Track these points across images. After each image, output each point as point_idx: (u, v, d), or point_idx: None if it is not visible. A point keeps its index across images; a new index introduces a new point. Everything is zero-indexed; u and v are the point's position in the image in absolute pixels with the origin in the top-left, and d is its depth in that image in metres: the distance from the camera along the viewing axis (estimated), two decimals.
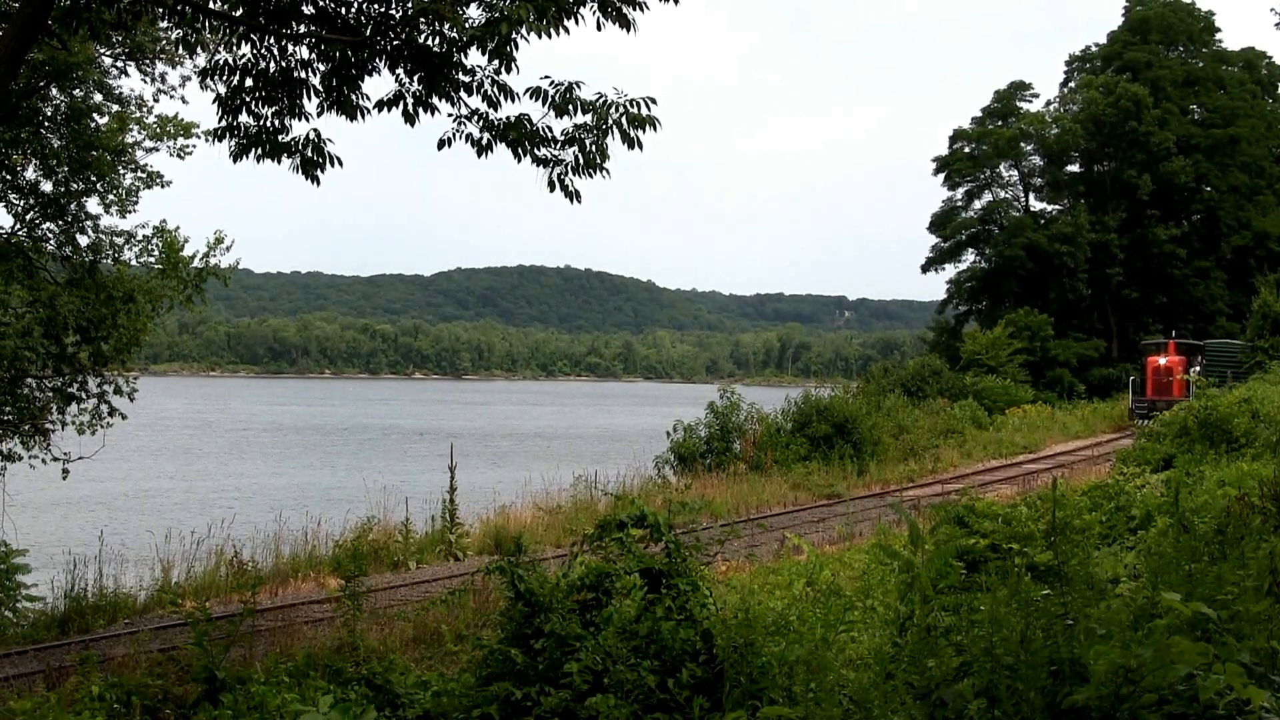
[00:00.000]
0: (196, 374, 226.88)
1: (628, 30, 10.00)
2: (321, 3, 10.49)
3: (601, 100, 10.20)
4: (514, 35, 9.65)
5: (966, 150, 72.71)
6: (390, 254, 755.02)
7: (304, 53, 10.63)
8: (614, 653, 7.31)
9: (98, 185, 17.96)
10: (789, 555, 18.96)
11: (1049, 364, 63.06)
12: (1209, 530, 9.09)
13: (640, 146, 10.24)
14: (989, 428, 45.16)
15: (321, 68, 10.65)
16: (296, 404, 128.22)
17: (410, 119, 10.55)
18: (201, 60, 12.92)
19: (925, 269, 73.98)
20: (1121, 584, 8.77)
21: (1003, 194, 73.77)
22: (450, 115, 10.60)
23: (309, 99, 10.72)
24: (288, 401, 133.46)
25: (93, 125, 17.62)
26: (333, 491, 40.47)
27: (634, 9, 9.97)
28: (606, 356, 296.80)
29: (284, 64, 10.59)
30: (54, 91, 17.28)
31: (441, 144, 10.70)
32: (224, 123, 10.74)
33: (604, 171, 10.63)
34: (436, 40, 10.25)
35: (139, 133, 18.14)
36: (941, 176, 73.54)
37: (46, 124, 17.43)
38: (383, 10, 10.47)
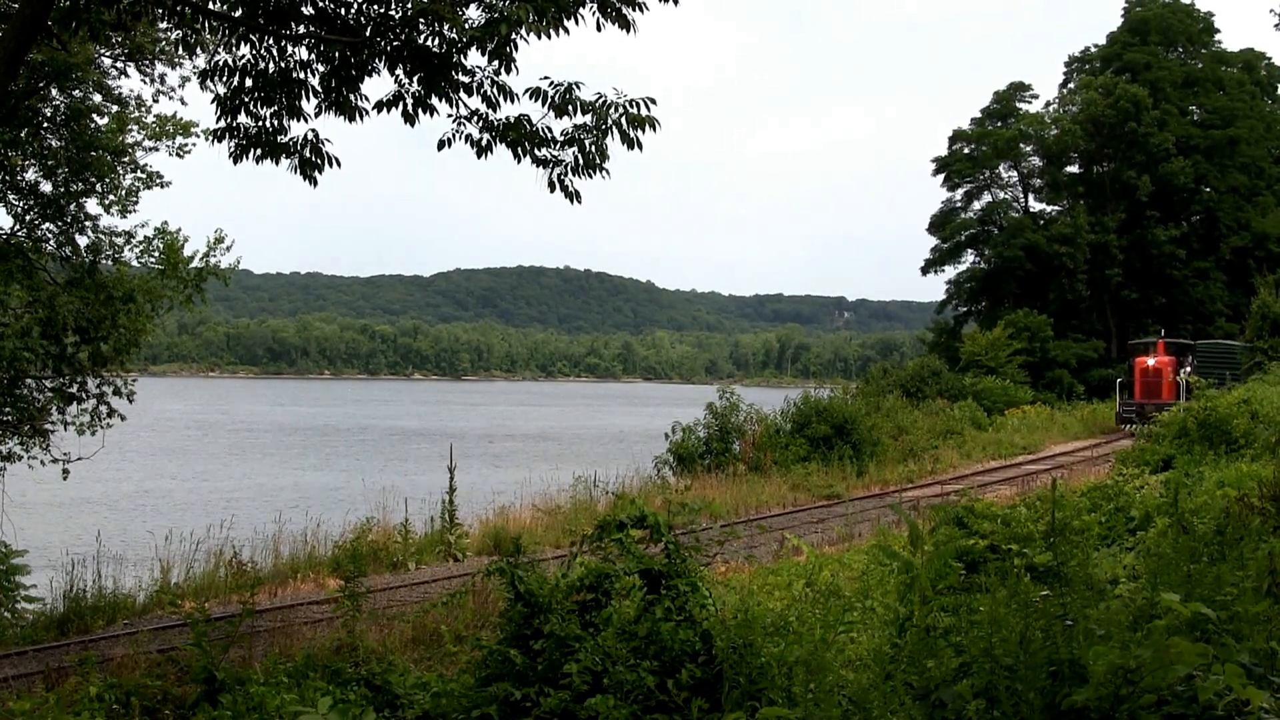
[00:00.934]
0: (196, 375, 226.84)
1: (627, 31, 10.01)
2: (321, 3, 10.49)
3: (601, 101, 10.20)
4: (514, 36, 9.65)
5: (966, 151, 72.73)
6: (390, 254, 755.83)
7: (303, 53, 10.64)
8: (613, 653, 7.31)
9: (97, 186, 17.94)
10: (788, 556, 18.96)
11: (1048, 365, 63.09)
12: (1208, 531, 9.10)
13: (640, 147, 10.24)
14: (988, 428, 45.18)
15: (321, 68, 10.65)
16: (296, 405, 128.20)
17: (410, 120, 10.55)
18: (201, 61, 12.91)
19: (925, 270, 74.06)
20: (1121, 585, 8.77)
21: (1002, 195, 73.85)
22: (450, 116, 10.61)
23: (308, 100, 10.72)
24: (287, 402, 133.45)
25: (92, 126, 17.61)
26: (332, 492, 40.47)
27: (633, 9, 9.97)
28: (606, 357, 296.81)
29: (283, 65, 10.59)
30: (54, 92, 17.27)
31: (441, 145, 10.70)
32: (223, 123, 10.73)
33: (604, 172, 10.63)
34: (436, 41, 10.24)
35: (138, 133, 18.15)
36: (941, 177, 73.61)
37: (46, 124, 17.42)
38: (382, 11, 10.47)
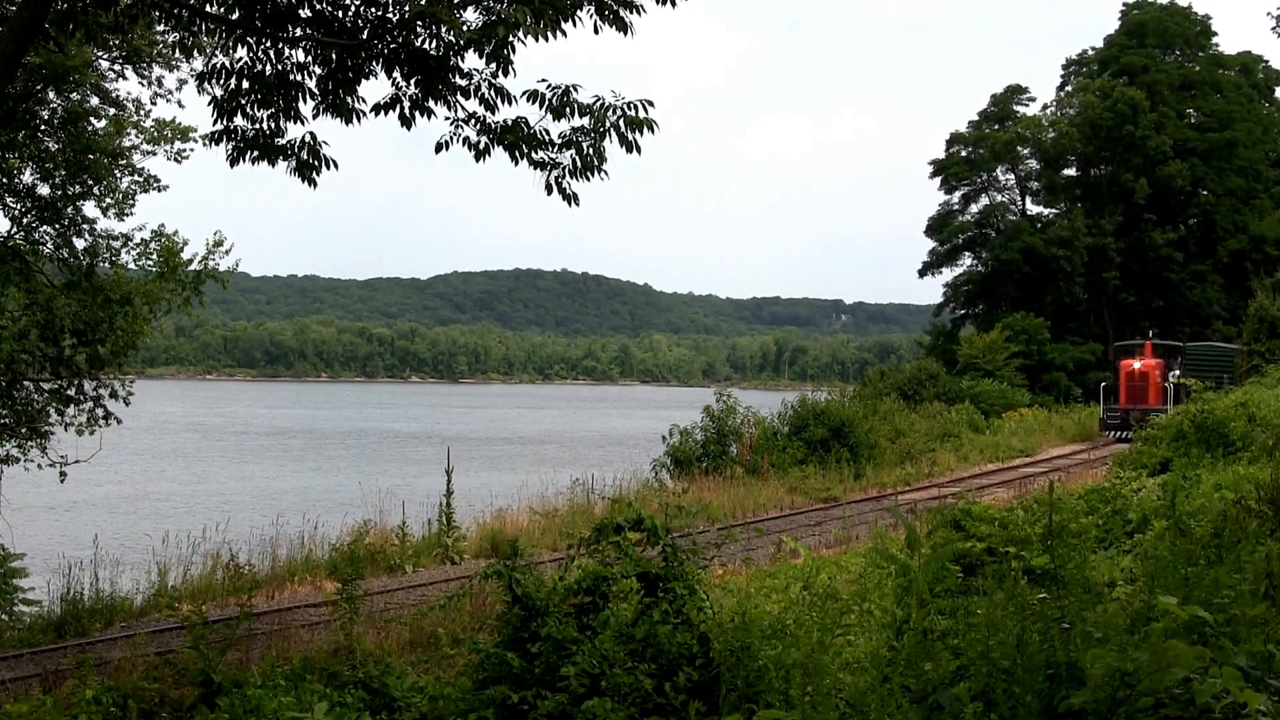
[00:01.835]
0: (193, 377, 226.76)
1: (625, 33, 10.00)
2: (318, 6, 10.48)
3: (599, 103, 10.20)
4: (511, 38, 9.65)
5: (963, 154, 72.86)
6: (387, 257, 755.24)
7: (300, 56, 10.62)
8: (611, 656, 7.30)
9: (95, 188, 17.95)
10: (786, 559, 18.96)
11: (1045, 368, 63.13)
12: (1205, 534, 9.10)
13: (638, 150, 10.23)
14: (985, 431, 45.21)
15: (318, 71, 10.64)
16: (293, 408, 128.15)
17: (407, 123, 10.54)
18: (198, 64, 12.91)
19: (922, 273, 74.19)
20: (1118, 587, 8.77)
21: (999, 198, 74.00)
22: (447, 119, 10.60)
23: (305, 102, 10.71)
24: (284, 405, 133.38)
25: (90, 128, 17.62)
26: (329, 495, 40.42)
27: (630, 11, 9.97)
28: (603, 360, 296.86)
29: (280, 67, 10.58)
30: (51, 95, 17.27)
31: (439, 147, 10.70)
32: (220, 126, 10.72)
33: (601, 174, 10.63)
34: (433, 44, 10.24)
35: (136, 136, 18.15)
36: (938, 180, 73.75)
37: (44, 127, 17.42)
38: (379, 13, 10.46)
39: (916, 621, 7.47)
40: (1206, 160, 68.11)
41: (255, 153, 10.75)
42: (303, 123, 10.82)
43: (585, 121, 10.34)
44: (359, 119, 10.84)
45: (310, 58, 10.60)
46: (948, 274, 73.84)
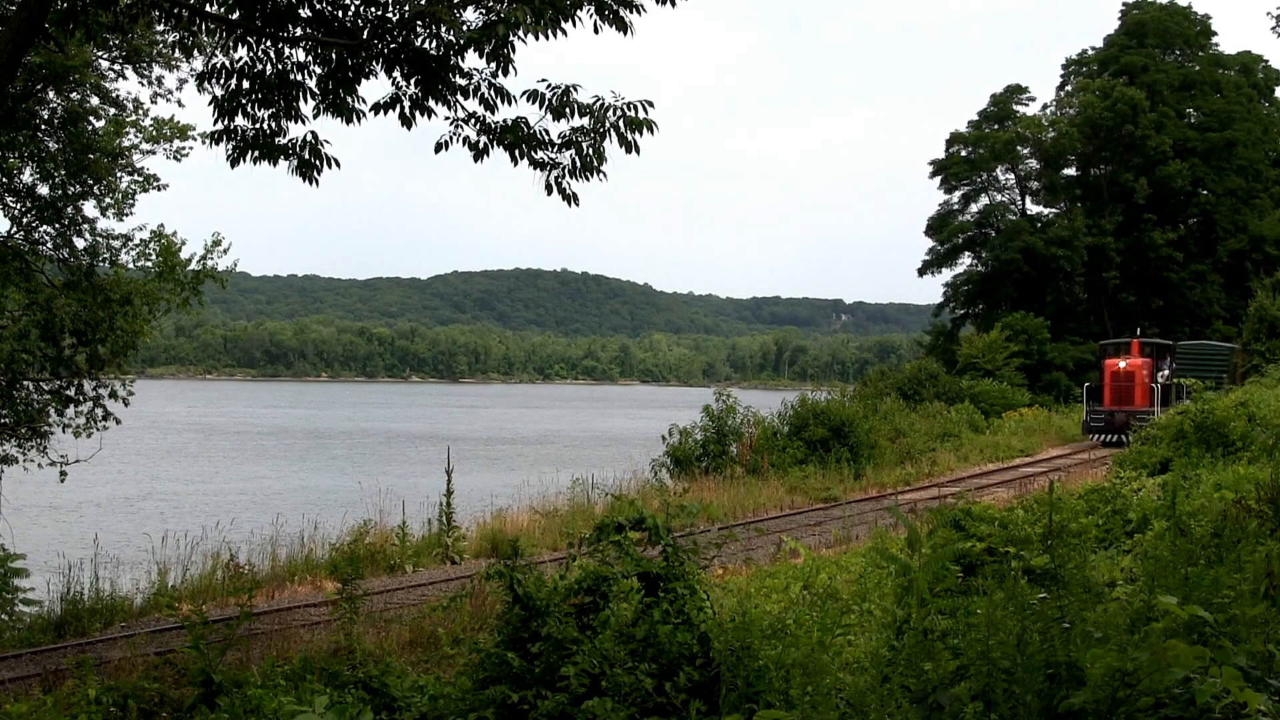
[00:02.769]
0: (193, 377, 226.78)
1: (625, 33, 10.00)
2: (318, 6, 10.48)
3: (599, 103, 10.20)
4: (511, 38, 9.65)
5: (963, 154, 72.87)
6: (387, 257, 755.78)
7: (300, 56, 10.63)
8: (611, 656, 7.30)
9: (95, 188, 17.95)
10: (786, 559, 18.96)
11: (1045, 367, 63.13)
12: (1205, 534, 9.10)
13: (637, 150, 10.23)
14: (985, 431, 45.20)
15: (318, 71, 10.64)
16: (293, 408, 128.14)
17: (407, 123, 10.54)
18: (198, 63, 12.93)
19: (922, 272, 74.20)
20: (1118, 587, 8.77)
21: (999, 197, 74.02)
22: (447, 118, 10.60)
23: (305, 102, 10.72)
24: (285, 405, 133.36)
25: (90, 128, 17.62)
26: (329, 495, 40.43)
27: (630, 11, 9.97)
28: (603, 360, 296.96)
29: (280, 67, 10.58)
30: (51, 95, 17.27)
31: (439, 147, 10.70)
32: (220, 125, 10.72)
33: (601, 174, 10.63)
34: (433, 43, 10.24)
35: (136, 136, 18.15)
36: (938, 180, 73.78)
37: (43, 127, 17.42)
38: (379, 13, 10.46)
39: (916, 621, 7.47)
40: (1206, 160, 68.10)
41: (256, 152, 10.75)
42: (303, 122, 10.83)
43: (585, 122, 10.34)
44: (359, 119, 10.84)
45: (310, 57, 10.60)
46: (947, 274, 74.01)
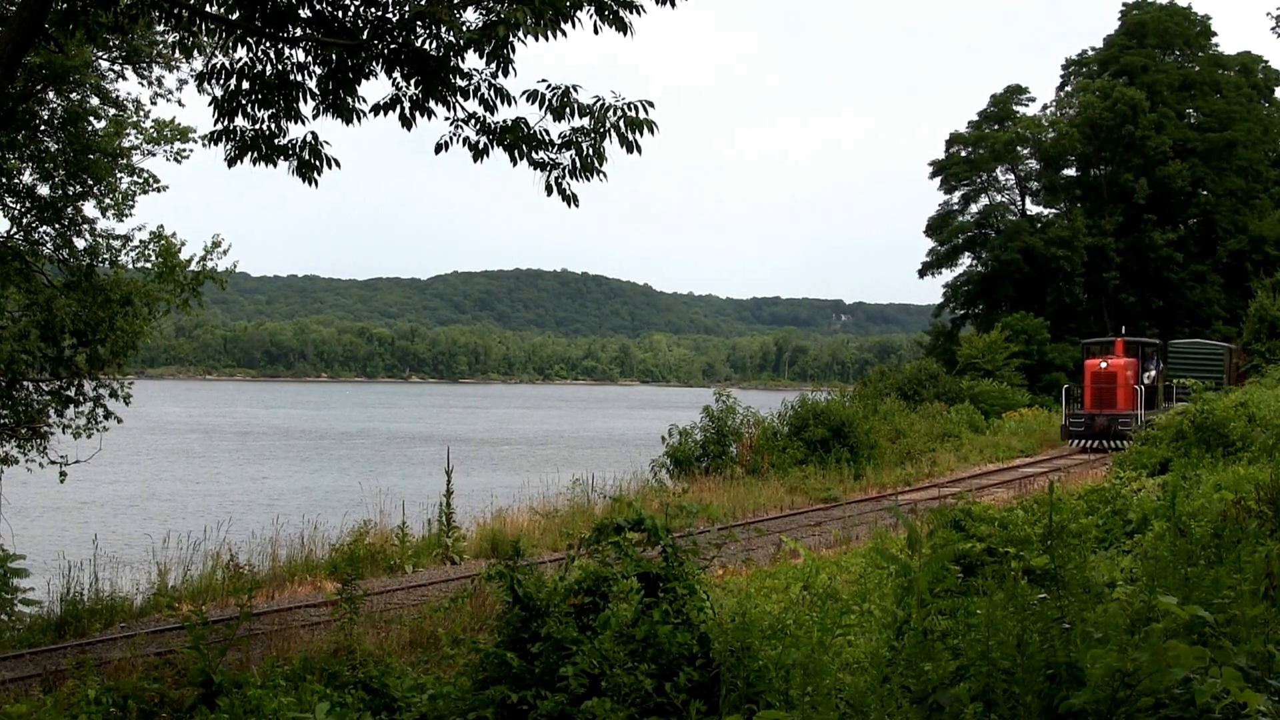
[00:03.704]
0: (193, 378, 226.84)
1: (624, 33, 10.00)
2: (318, 6, 10.48)
3: (599, 104, 10.20)
4: (511, 38, 9.65)
5: (963, 154, 72.84)
6: (387, 257, 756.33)
7: (300, 56, 10.62)
8: (611, 656, 7.30)
9: (95, 189, 17.95)
10: (786, 559, 18.96)
11: (1045, 368, 63.09)
12: (1205, 534, 9.10)
13: (638, 150, 10.23)
14: (985, 431, 45.19)
15: (318, 71, 10.64)
16: (293, 408, 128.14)
17: (407, 123, 10.54)
18: (198, 64, 12.92)
19: (922, 273, 74.15)
20: (1118, 588, 8.77)
21: (999, 198, 73.96)
22: (447, 119, 10.60)
23: (305, 102, 10.71)
24: (285, 405, 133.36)
25: (89, 129, 17.61)
26: (330, 495, 40.44)
27: (630, 11, 9.97)
28: (603, 360, 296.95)
29: (280, 67, 10.58)
30: (51, 95, 17.27)
31: (439, 148, 10.70)
32: (220, 126, 10.72)
33: (601, 175, 10.63)
34: (433, 44, 10.24)
35: (136, 137, 18.15)
36: (938, 180, 73.73)
37: (43, 127, 17.42)
38: (379, 14, 10.46)
39: (916, 622, 7.47)
40: (1206, 160, 68.08)
41: (255, 153, 10.75)
42: (303, 123, 10.83)
43: (585, 122, 10.34)
44: (359, 119, 10.84)
45: (310, 58, 10.60)
46: (947, 274, 73.90)
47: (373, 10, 10.48)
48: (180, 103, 19.32)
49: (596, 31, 9.95)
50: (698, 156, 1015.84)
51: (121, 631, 16.40)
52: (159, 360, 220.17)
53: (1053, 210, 73.69)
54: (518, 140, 10.50)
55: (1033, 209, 74.30)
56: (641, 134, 10.15)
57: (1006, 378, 57.71)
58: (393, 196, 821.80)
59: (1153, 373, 41.37)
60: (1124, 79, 69.28)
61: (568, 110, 10.23)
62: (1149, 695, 4.52)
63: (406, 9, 10.24)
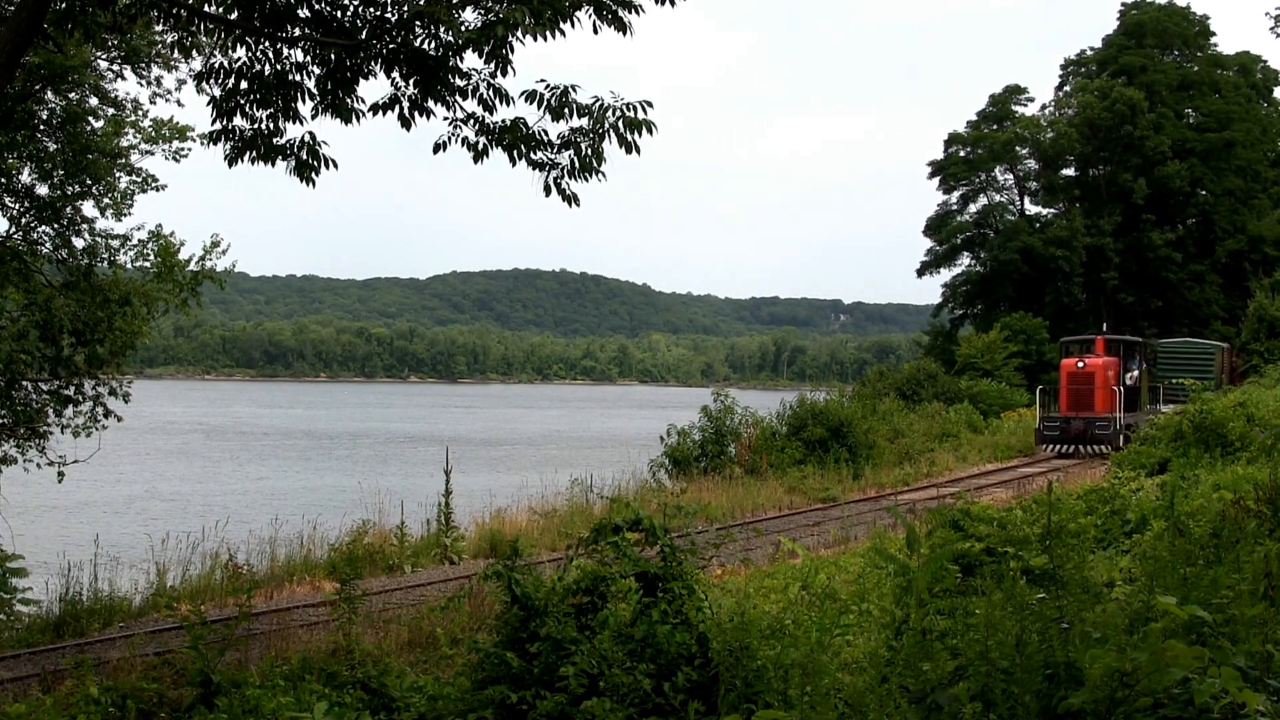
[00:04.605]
0: (192, 378, 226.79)
1: (624, 33, 10.01)
2: (317, 6, 10.48)
3: (598, 104, 10.21)
4: (510, 38, 9.66)
5: (962, 154, 72.85)
6: (386, 257, 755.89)
7: (299, 56, 10.63)
8: (609, 656, 7.30)
9: (93, 188, 17.94)
10: (784, 559, 18.95)
11: (1044, 368, 62.91)
12: (1204, 534, 9.09)
13: (637, 151, 10.24)
14: (984, 431, 45.18)
15: (316, 71, 10.64)
16: (292, 408, 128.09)
17: (406, 123, 10.54)
18: (197, 64, 12.93)
19: (921, 273, 74.19)
20: (1117, 588, 8.78)
21: (998, 198, 73.99)
22: (446, 119, 10.61)
23: (304, 102, 10.72)
24: (283, 405, 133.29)
25: (88, 128, 17.61)
26: (328, 495, 40.41)
27: (629, 11, 9.97)
28: (602, 360, 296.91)
29: (279, 67, 10.58)
30: (49, 95, 17.26)
31: (437, 148, 10.71)
32: (219, 125, 10.73)
33: (600, 175, 10.63)
34: (432, 44, 10.24)
35: (134, 136, 18.14)
36: (937, 180, 73.75)
37: (42, 127, 17.41)
38: (378, 13, 10.47)
39: (915, 622, 7.47)
40: (1205, 160, 68.12)
41: (254, 153, 10.75)
42: (302, 123, 10.83)
43: (584, 122, 10.35)
44: (358, 119, 10.85)
45: (309, 58, 10.61)
46: (946, 274, 73.96)
47: (371, 10, 10.48)
48: (179, 102, 19.38)
49: (596, 31, 9.97)
50: (697, 157, 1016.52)
51: (120, 631, 16.39)
52: (158, 360, 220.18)
53: (1051, 210, 73.80)
54: (517, 140, 10.51)
55: (1031, 209, 74.45)
56: (640, 134, 10.17)
57: (1005, 378, 57.72)
58: (391, 196, 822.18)
59: (1135, 373, 39.50)
60: (1123, 79, 69.32)
61: (566, 110, 10.24)
62: (1148, 695, 4.53)
63: (405, 9, 10.24)
